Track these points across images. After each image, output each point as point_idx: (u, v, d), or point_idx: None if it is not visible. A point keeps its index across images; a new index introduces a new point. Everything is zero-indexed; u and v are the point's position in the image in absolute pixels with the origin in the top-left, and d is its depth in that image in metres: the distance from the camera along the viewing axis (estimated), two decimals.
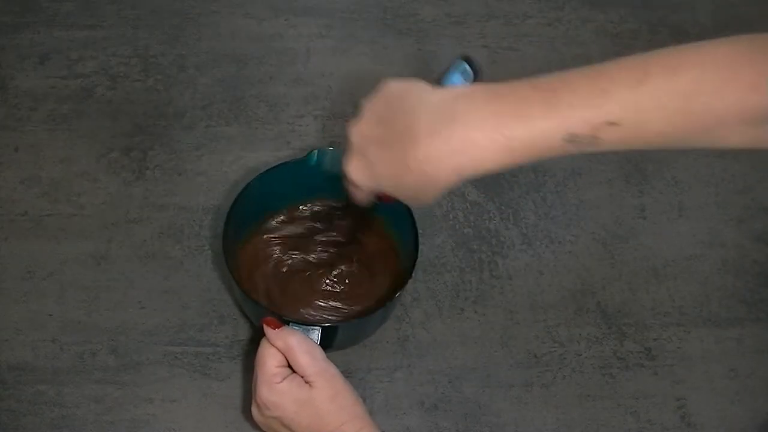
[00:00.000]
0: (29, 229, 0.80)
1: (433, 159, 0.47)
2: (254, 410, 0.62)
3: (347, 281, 0.74)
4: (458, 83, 0.55)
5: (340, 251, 0.75)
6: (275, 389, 0.60)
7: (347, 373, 0.73)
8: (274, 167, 0.72)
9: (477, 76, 0.55)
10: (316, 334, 0.63)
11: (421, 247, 0.81)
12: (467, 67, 0.55)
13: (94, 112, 0.89)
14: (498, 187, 0.86)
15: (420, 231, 0.82)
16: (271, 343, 0.61)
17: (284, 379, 0.60)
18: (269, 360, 0.61)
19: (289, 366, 0.61)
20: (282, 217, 0.77)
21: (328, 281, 0.74)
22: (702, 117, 0.45)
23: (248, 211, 0.72)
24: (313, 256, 0.76)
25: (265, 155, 0.86)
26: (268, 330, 0.61)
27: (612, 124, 0.44)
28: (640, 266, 0.82)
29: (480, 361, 0.75)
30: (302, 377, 0.60)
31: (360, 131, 0.52)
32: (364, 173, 0.52)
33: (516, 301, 0.79)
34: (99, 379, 0.72)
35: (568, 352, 0.76)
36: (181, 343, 0.74)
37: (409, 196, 0.51)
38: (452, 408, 0.72)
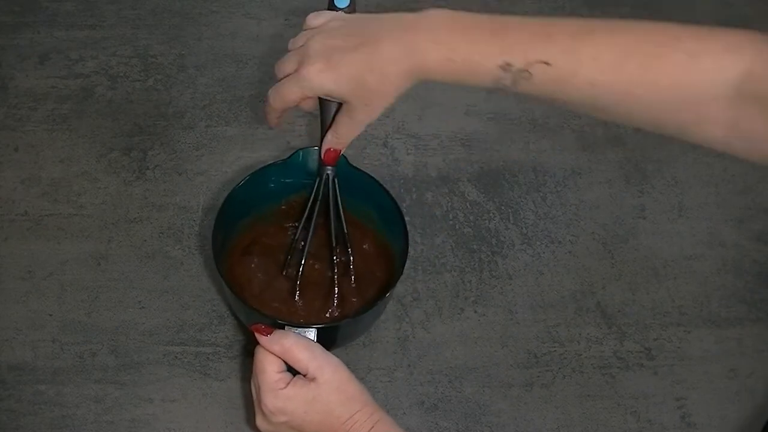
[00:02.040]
0: (29, 229, 0.80)
1: (391, 59, 0.52)
2: (260, 420, 0.61)
3: (341, 280, 0.74)
4: (342, 6, 0.61)
5: (332, 250, 0.75)
6: (280, 395, 0.59)
7: None
8: (259, 169, 0.72)
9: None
10: (312, 335, 0.63)
11: (421, 247, 0.81)
12: None
13: (94, 112, 0.89)
14: (498, 187, 0.86)
15: (420, 231, 0.82)
16: (266, 349, 0.61)
17: (288, 384, 0.60)
18: (269, 367, 0.60)
19: (289, 370, 0.61)
20: (271, 218, 0.77)
21: (321, 281, 0.74)
22: (633, 79, 0.48)
23: (237, 214, 0.73)
24: (305, 255, 0.75)
25: (265, 155, 0.86)
26: (260, 337, 0.60)
27: (546, 63, 0.48)
28: (640, 266, 0.82)
29: (480, 361, 0.75)
30: (304, 375, 0.60)
31: (324, 42, 0.55)
32: (326, 76, 0.54)
33: (516, 301, 0.79)
34: (99, 379, 0.72)
35: (568, 352, 0.76)
36: (181, 343, 0.74)
37: (363, 97, 0.55)
38: (452, 408, 0.72)
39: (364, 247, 0.76)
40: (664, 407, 0.73)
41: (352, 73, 0.54)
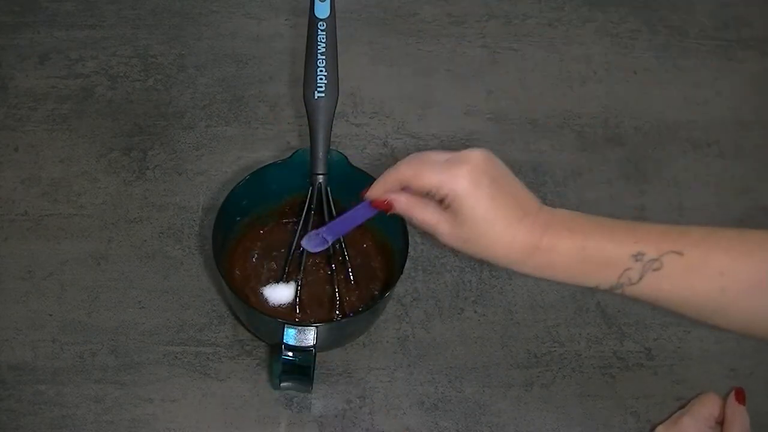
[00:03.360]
0: (29, 229, 0.80)
1: (502, 256, 0.52)
2: None
3: (341, 279, 0.74)
4: (325, 9, 0.64)
5: (330, 255, 0.75)
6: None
7: (347, 374, 0.73)
8: (259, 169, 0.72)
9: None
10: (312, 333, 0.63)
11: (421, 247, 0.81)
12: None
13: (94, 112, 0.89)
14: None
15: (420, 231, 0.82)
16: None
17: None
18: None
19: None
20: (271, 218, 0.77)
21: (320, 281, 0.74)
22: (758, 271, 0.49)
23: (237, 214, 0.73)
24: (302, 255, 0.75)
25: (265, 155, 0.86)
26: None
27: (678, 252, 0.49)
28: None
29: (480, 361, 0.75)
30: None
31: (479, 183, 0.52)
32: (452, 242, 0.54)
33: (516, 301, 0.79)
34: (99, 379, 0.72)
35: (568, 352, 0.76)
36: (181, 343, 0.74)
37: (479, 256, 0.54)
38: (452, 408, 0.72)
39: (364, 246, 0.76)
40: (664, 407, 0.73)
41: (476, 250, 0.53)
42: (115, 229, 0.81)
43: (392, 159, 0.87)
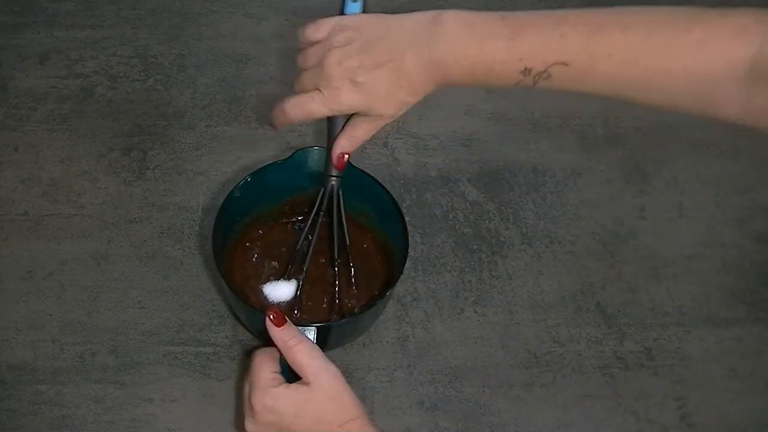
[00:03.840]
0: (29, 229, 0.80)
1: (420, 73, 0.55)
2: (248, 422, 0.60)
3: (342, 280, 0.74)
4: (354, 10, 0.62)
5: (333, 251, 0.75)
6: (270, 392, 0.58)
7: (347, 374, 0.73)
8: (260, 169, 0.72)
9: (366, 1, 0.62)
10: (312, 333, 0.63)
11: (421, 247, 0.81)
12: None
13: (94, 112, 0.89)
14: (498, 187, 0.86)
15: (420, 231, 0.82)
16: (270, 336, 0.60)
17: (281, 384, 0.59)
18: (264, 366, 0.60)
19: (284, 373, 0.60)
20: (271, 217, 0.77)
21: (322, 281, 0.74)
22: (649, 70, 0.50)
23: (237, 214, 0.73)
24: (306, 254, 0.75)
25: (265, 155, 0.86)
26: (269, 323, 0.60)
27: (563, 63, 0.51)
28: (640, 266, 0.82)
29: (480, 361, 0.75)
30: (302, 377, 0.60)
31: (341, 64, 0.56)
32: (357, 96, 0.56)
33: (516, 301, 0.79)
34: (99, 379, 0.72)
35: (568, 352, 0.76)
36: (181, 343, 0.74)
37: (394, 109, 0.57)
38: (452, 408, 0.72)
39: (364, 246, 0.76)
40: (664, 407, 0.73)
41: (382, 91, 0.56)
42: (115, 229, 0.81)
43: (392, 159, 0.87)
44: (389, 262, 0.74)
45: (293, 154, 0.72)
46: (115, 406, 0.71)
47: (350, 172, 0.72)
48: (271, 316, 0.60)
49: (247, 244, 0.76)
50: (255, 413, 0.59)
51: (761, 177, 0.89)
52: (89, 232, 0.80)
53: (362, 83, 0.56)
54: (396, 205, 0.70)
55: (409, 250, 0.69)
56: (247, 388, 0.60)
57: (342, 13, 0.62)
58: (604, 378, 0.75)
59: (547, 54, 0.51)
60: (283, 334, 0.60)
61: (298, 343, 0.60)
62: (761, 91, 0.48)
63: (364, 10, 0.62)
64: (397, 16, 0.57)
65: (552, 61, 0.51)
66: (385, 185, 0.72)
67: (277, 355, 0.61)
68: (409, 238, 0.69)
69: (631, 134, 0.91)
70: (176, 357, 0.73)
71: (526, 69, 0.52)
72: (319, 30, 0.59)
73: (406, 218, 0.70)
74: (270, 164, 0.73)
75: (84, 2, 0.98)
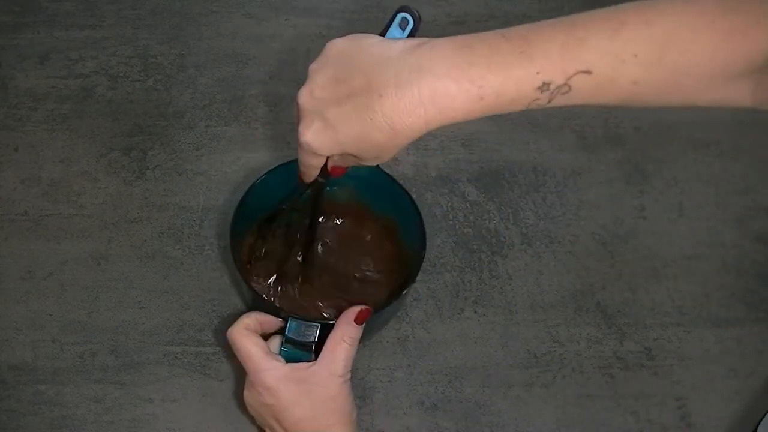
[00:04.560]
0: (29, 229, 0.80)
1: (402, 112, 0.45)
2: (247, 393, 0.61)
3: (352, 281, 0.74)
4: (399, 36, 0.53)
5: (345, 250, 0.75)
6: (274, 373, 0.59)
7: None
8: (278, 166, 0.72)
9: (417, 25, 0.53)
10: (315, 330, 0.63)
11: None
12: (407, 15, 0.54)
13: (94, 112, 0.89)
14: (498, 187, 0.86)
15: None
16: (341, 337, 0.60)
17: (281, 362, 0.60)
18: (256, 342, 0.60)
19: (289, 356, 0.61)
20: (283, 217, 0.77)
21: (332, 279, 0.74)
22: (675, 68, 0.44)
23: (252, 210, 0.72)
24: (321, 252, 0.75)
25: (265, 155, 0.86)
26: (351, 316, 0.60)
27: (586, 72, 0.44)
28: (640, 266, 0.82)
29: (480, 361, 0.75)
30: (323, 366, 0.60)
31: (312, 95, 0.49)
32: (326, 137, 0.49)
33: (516, 301, 0.79)
34: (99, 379, 0.72)
35: (568, 352, 0.76)
36: (181, 343, 0.74)
37: (373, 152, 0.50)
38: (452, 408, 0.72)
39: (381, 248, 0.76)
40: (664, 407, 0.73)
41: (352, 132, 0.48)
42: (115, 229, 0.81)
43: (392, 159, 0.87)
44: (403, 266, 0.74)
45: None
46: (115, 406, 0.71)
47: (374, 175, 0.71)
48: (362, 309, 0.61)
49: (262, 238, 0.76)
50: (252, 389, 0.60)
51: (761, 177, 0.89)
52: (89, 232, 0.80)
53: (333, 122, 0.48)
54: (415, 207, 0.70)
55: (425, 252, 0.68)
56: (253, 357, 0.60)
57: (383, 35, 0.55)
58: (604, 378, 0.75)
59: (566, 63, 0.43)
60: (354, 332, 0.61)
61: (353, 344, 0.60)
62: None
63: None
64: (380, 40, 0.49)
65: (573, 70, 0.44)
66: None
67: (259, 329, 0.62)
68: (426, 240, 0.69)
69: (631, 134, 0.91)
70: (176, 357, 0.73)
71: (544, 84, 0.44)
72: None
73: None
74: (286, 163, 0.72)
75: (84, 2, 0.98)
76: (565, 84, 0.44)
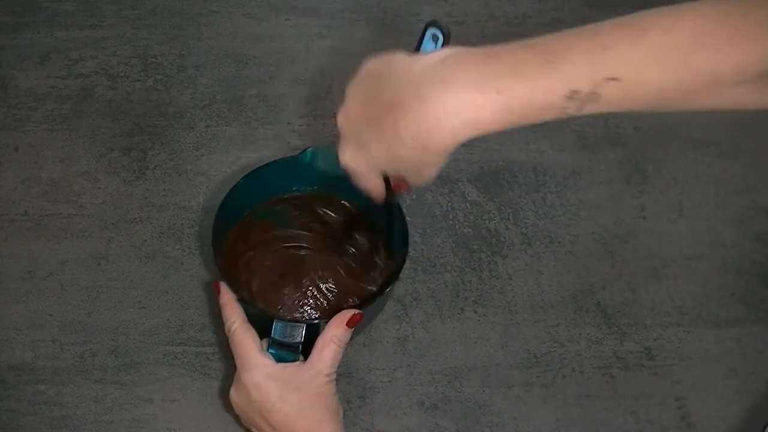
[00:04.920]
0: (29, 229, 0.80)
1: (428, 126, 0.45)
2: (233, 391, 0.62)
3: (338, 279, 0.74)
4: (431, 50, 0.52)
5: (333, 248, 0.75)
6: (262, 370, 0.60)
7: (347, 373, 0.73)
8: (265, 165, 0.72)
9: (447, 39, 0.53)
10: (300, 330, 0.63)
11: (421, 247, 0.81)
12: (436, 31, 0.53)
13: (94, 112, 0.89)
14: (498, 187, 0.86)
15: (420, 231, 0.82)
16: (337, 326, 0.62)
17: (272, 362, 0.61)
18: (253, 341, 0.61)
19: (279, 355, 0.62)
20: (272, 213, 0.77)
21: (318, 278, 0.74)
22: (701, 72, 0.43)
23: (238, 207, 0.73)
24: (305, 252, 0.76)
25: (265, 155, 0.86)
26: (346, 315, 0.62)
27: (613, 79, 0.43)
28: (640, 266, 0.82)
29: (480, 361, 0.75)
30: (313, 364, 0.61)
31: (347, 116, 0.49)
32: (360, 158, 0.50)
33: (516, 301, 0.79)
34: (99, 379, 0.72)
35: (568, 352, 0.76)
36: (181, 343, 0.74)
37: (410, 171, 0.49)
38: (452, 408, 0.72)
39: (365, 246, 0.76)
40: (664, 407, 0.73)
41: (384, 154, 0.47)
42: (115, 229, 0.81)
43: None
44: (389, 264, 0.74)
45: (302, 152, 0.72)
46: (115, 406, 0.71)
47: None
48: (354, 313, 0.62)
49: (246, 240, 0.76)
50: (240, 387, 0.60)
51: (761, 177, 0.89)
52: (89, 232, 0.80)
53: (366, 144, 0.48)
54: (398, 208, 0.70)
55: (408, 250, 0.69)
56: (244, 354, 0.61)
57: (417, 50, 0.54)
58: (604, 378, 0.75)
59: (593, 71, 0.43)
60: (343, 334, 0.62)
61: (341, 345, 0.62)
62: None
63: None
64: (408, 56, 0.48)
65: (601, 77, 0.43)
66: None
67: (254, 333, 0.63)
68: (409, 238, 0.69)
69: (631, 134, 0.91)
70: (176, 357, 0.73)
71: (572, 92, 0.43)
72: None
73: (407, 218, 0.70)
74: (274, 161, 0.73)
75: (84, 2, 0.98)
76: (594, 92, 0.44)
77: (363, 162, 0.50)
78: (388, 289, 0.67)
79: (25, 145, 0.86)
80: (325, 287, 0.74)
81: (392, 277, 0.69)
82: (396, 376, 0.74)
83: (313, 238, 0.76)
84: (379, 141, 0.47)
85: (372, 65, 0.49)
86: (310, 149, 0.72)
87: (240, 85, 0.92)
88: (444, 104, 0.44)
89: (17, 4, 0.97)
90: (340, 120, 0.50)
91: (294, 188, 0.75)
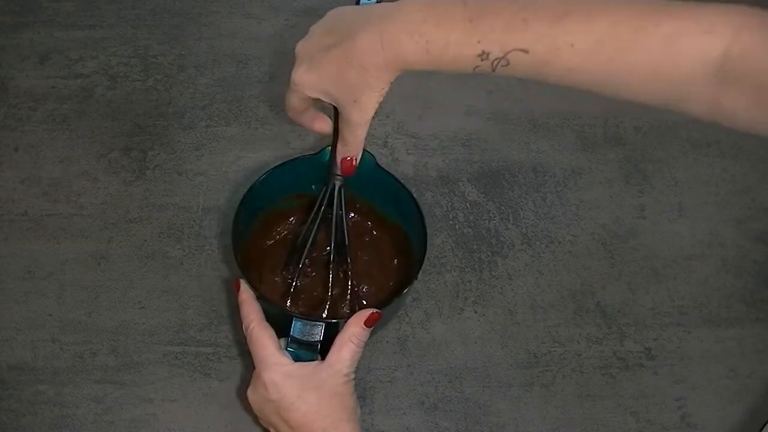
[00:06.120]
0: (29, 229, 0.80)
1: (368, 51, 0.51)
2: (251, 391, 0.62)
3: (355, 279, 0.74)
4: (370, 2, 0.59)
5: (347, 249, 0.75)
6: (282, 369, 0.60)
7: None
8: (284, 163, 0.72)
9: None
10: (319, 329, 0.63)
11: None
12: None
13: (94, 112, 0.89)
14: (498, 187, 0.86)
15: None
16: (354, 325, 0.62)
17: (290, 360, 0.61)
18: (270, 339, 0.62)
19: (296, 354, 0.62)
20: (290, 212, 0.77)
21: (336, 278, 0.74)
22: (612, 64, 0.48)
23: (257, 206, 0.72)
24: (321, 252, 0.75)
25: (265, 155, 0.86)
26: (364, 314, 0.63)
27: (523, 51, 0.48)
28: (640, 266, 0.82)
29: (480, 361, 0.75)
30: (330, 362, 0.61)
31: (305, 44, 0.56)
32: (311, 76, 0.55)
33: (516, 301, 0.79)
34: (99, 379, 0.72)
35: (568, 352, 0.76)
36: (181, 343, 0.74)
37: (349, 93, 0.54)
38: (452, 408, 0.72)
39: (382, 246, 0.76)
40: (664, 407, 0.73)
41: (332, 70, 0.53)
42: (115, 229, 0.81)
43: (392, 159, 0.87)
44: (407, 263, 0.74)
45: (321, 150, 0.71)
46: (115, 406, 0.71)
47: (377, 172, 0.71)
48: (372, 312, 0.63)
49: (265, 237, 0.75)
50: (258, 386, 0.60)
51: (761, 177, 0.89)
52: (89, 232, 0.80)
53: (317, 62, 0.54)
54: (418, 208, 0.70)
55: (427, 250, 0.68)
56: (263, 353, 0.62)
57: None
58: (604, 378, 0.75)
59: (506, 39, 0.48)
60: (362, 334, 0.62)
61: (360, 345, 0.62)
62: (728, 91, 0.47)
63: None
64: (371, 4, 0.56)
65: (511, 47, 0.48)
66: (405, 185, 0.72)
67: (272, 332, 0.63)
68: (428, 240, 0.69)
69: (631, 134, 0.91)
70: (176, 357, 0.73)
71: (483, 53, 0.49)
72: None
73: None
74: (294, 159, 0.72)
75: (84, 2, 0.98)
76: (504, 57, 0.49)
77: (311, 79, 0.55)
78: (406, 290, 0.67)
79: (25, 145, 0.86)
80: (346, 288, 0.73)
81: (411, 277, 0.68)
82: (396, 376, 0.74)
83: (312, 238, 0.76)
84: (330, 63, 0.53)
85: (336, 10, 0.56)
86: (329, 148, 0.72)
87: (240, 85, 0.92)
88: (381, 37, 0.51)
89: (17, 4, 0.97)
90: (299, 47, 0.56)
91: (313, 186, 0.74)
